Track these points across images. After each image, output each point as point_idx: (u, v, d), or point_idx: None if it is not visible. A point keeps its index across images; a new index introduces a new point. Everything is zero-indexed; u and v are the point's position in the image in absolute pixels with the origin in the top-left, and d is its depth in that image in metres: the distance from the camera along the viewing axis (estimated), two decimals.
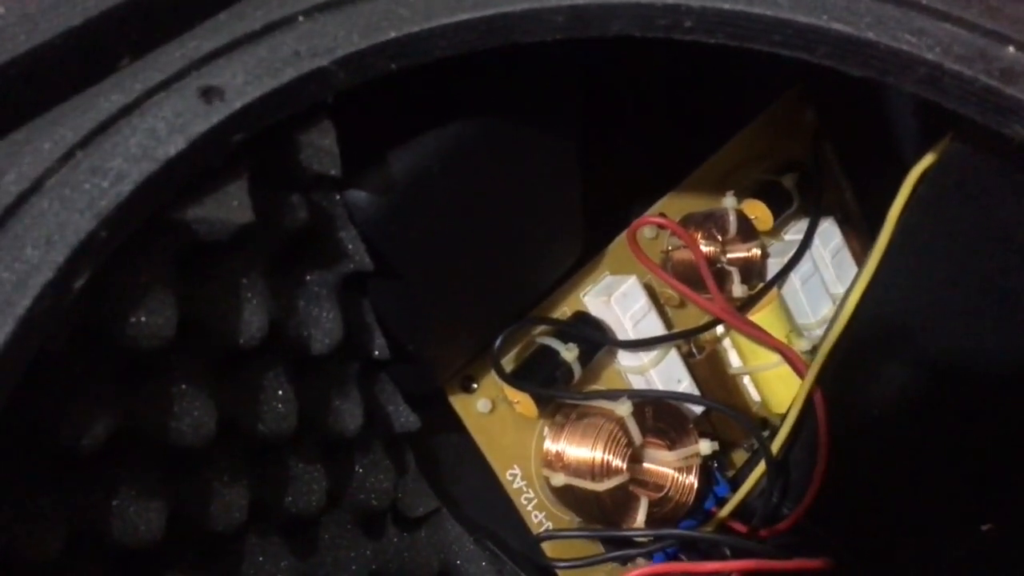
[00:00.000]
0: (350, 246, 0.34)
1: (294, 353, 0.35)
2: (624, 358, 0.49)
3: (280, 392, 0.34)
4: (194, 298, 0.30)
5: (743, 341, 0.52)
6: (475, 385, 0.45)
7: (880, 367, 0.43)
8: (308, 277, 0.34)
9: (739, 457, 0.54)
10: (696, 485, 0.46)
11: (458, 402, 0.45)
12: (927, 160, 0.36)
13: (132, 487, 0.30)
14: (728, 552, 0.43)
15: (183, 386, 0.31)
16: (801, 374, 0.47)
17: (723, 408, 0.48)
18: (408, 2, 0.30)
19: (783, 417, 0.49)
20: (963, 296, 0.37)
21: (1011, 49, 0.28)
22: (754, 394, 0.54)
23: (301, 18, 0.29)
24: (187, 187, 0.27)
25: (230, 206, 0.28)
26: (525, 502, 0.47)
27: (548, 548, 0.46)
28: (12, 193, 0.24)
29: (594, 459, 0.44)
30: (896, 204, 0.37)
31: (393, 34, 0.29)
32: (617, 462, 0.44)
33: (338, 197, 0.33)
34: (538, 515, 0.47)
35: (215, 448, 0.33)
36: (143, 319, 0.27)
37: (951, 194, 0.35)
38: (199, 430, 0.31)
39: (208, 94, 0.27)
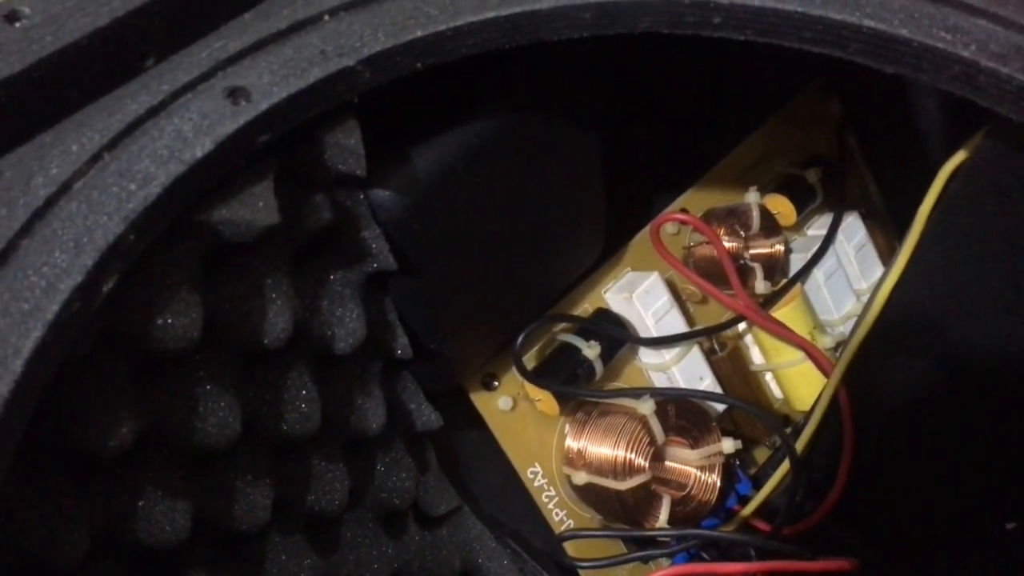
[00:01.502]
0: (374, 245, 0.33)
1: (317, 352, 0.34)
2: (646, 355, 0.49)
3: (303, 392, 0.34)
4: (219, 299, 0.30)
5: (766, 338, 0.52)
6: (496, 383, 0.45)
7: (907, 365, 0.42)
8: (331, 276, 0.34)
9: (761, 455, 0.54)
10: (719, 484, 0.46)
11: (479, 400, 0.45)
12: (959, 157, 0.35)
13: (157, 488, 0.30)
14: (752, 552, 0.42)
15: (208, 387, 0.31)
16: (825, 371, 0.47)
17: (746, 406, 0.48)
18: (434, 1, 0.29)
19: (807, 415, 0.48)
20: (993, 294, 0.36)
21: None
22: (776, 391, 0.54)
23: (327, 17, 0.28)
24: (212, 188, 0.27)
25: (255, 207, 0.27)
26: (546, 500, 0.47)
27: (570, 547, 0.46)
28: (41, 197, 0.23)
29: (616, 457, 0.44)
30: (927, 201, 0.37)
31: (419, 33, 0.28)
32: (640, 460, 0.44)
33: (362, 196, 0.33)
34: (559, 513, 0.47)
35: (239, 448, 0.33)
36: (169, 321, 0.27)
37: (983, 192, 0.35)
38: (224, 430, 0.31)
39: (234, 95, 0.26)
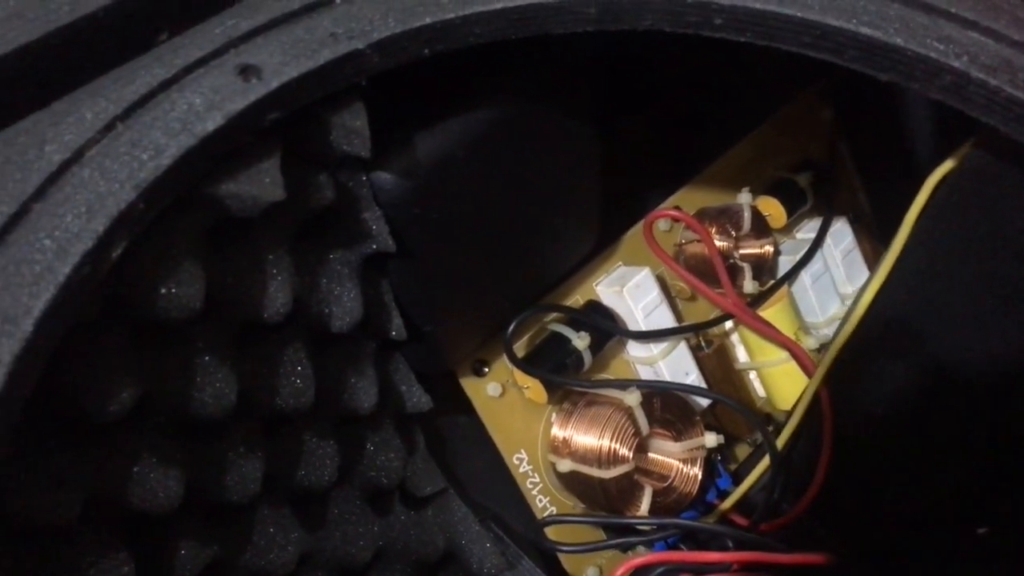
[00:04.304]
0: (374, 227, 0.34)
1: (314, 329, 0.35)
2: (633, 348, 0.50)
3: (299, 368, 0.35)
4: (221, 272, 0.30)
5: (751, 337, 0.53)
6: (486, 369, 0.46)
7: (887, 368, 0.43)
8: (331, 255, 0.34)
9: (741, 451, 0.55)
10: (700, 477, 0.47)
11: (469, 385, 0.46)
12: (947, 165, 0.36)
13: (152, 454, 0.31)
14: (730, 544, 0.43)
15: (206, 357, 0.31)
16: (809, 372, 0.48)
17: (730, 402, 0.48)
18: None
19: (788, 413, 0.49)
20: (974, 301, 0.37)
21: None
22: (759, 390, 0.55)
23: (338, 0, 0.29)
24: (221, 162, 0.27)
25: (262, 183, 0.28)
26: (530, 486, 0.48)
27: (551, 532, 0.47)
28: (54, 162, 0.24)
29: (601, 447, 0.45)
30: (913, 208, 0.37)
31: (429, 20, 0.29)
32: (624, 451, 0.45)
33: (364, 178, 0.34)
34: (542, 499, 0.48)
35: (233, 420, 0.33)
36: (173, 290, 0.28)
37: (968, 200, 0.35)
38: (220, 401, 0.32)
39: (246, 72, 0.27)
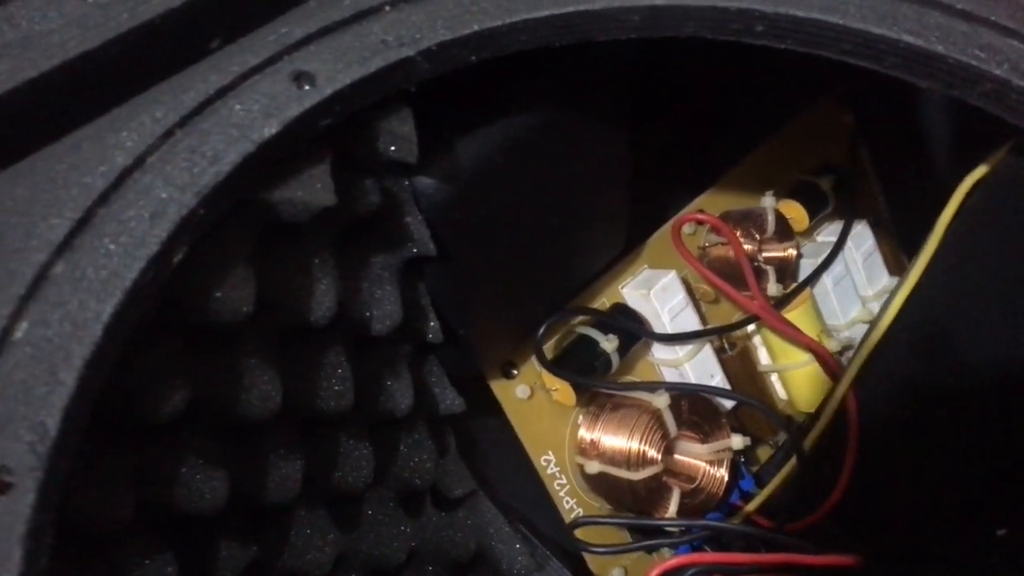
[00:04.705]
0: (415, 231, 0.34)
1: (354, 333, 0.35)
2: (659, 351, 0.50)
3: (339, 370, 0.35)
4: (269, 275, 0.31)
5: (773, 339, 0.53)
6: (515, 372, 0.46)
7: (915, 372, 0.44)
8: (373, 259, 0.35)
9: (763, 453, 0.55)
10: (727, 478, 0.47)
11: (498, 387, 0.46)
12: (980, 171, 0.36)
13: (199, 456, 0.31)
14: (761, 546, 0.44)
15: (253, 360, 0.31)
16: (834, 374, 0.48)
17: (758, 404, 0.49)
18: None
19: (813, 415, 0.50)
20: (1006, 306, 0.38)
21: None
22: (780, 392, 0.55)
23: (387, 7, 0.29)
24: (274, 168, 0.28)
25: (314, 188, 0.28)
26: (558, 488, 0.48)
27: (579, 533, 0.47)
28: (117, 167, 0.24)
29: (630, 449, 0.45)
30: (946, 212, 0.38)
31: (476, 27, 0.29)
32: (652, 452, 0.45)
33: (406, 183, 0.34)
34: (569, 501, 0.48)
35: (275, 421, 0.34)
36: (226, 294, 0.28)
37: (1003, 206, 0.36)
38: (266, 403, 0.32)
39: (300, 79, 0.27)
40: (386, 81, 0.29)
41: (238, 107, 0.26)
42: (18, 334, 0.22)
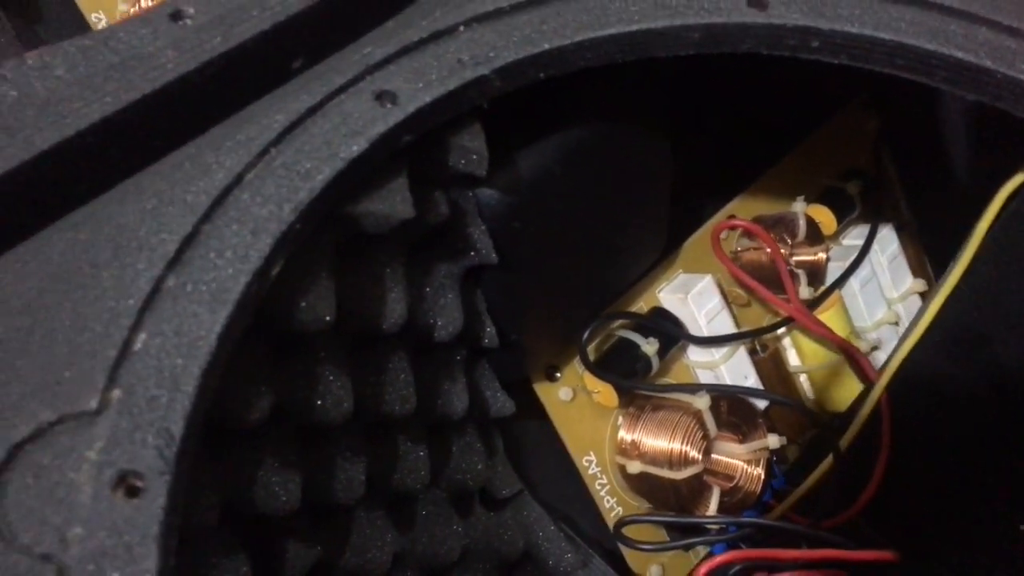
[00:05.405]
0: (478, 240, 0.36)
1: (419, 339, 0.37)
2: (694, 353, 0.51)
3: (403, 375, 0.36)
4: (346, 285, 0.32)
5: (803, 340, 0.54)
6: (558, 374, 0.47)
7: (948, 372, 0.45)
8: (437, 268, 0.36)
9: (790, 452, 0.57)
10: (764, 477, 0.48)
11: (542, 390, 0.47)
12: (1020, 177, 0.38)
13: (276, 459, 0.32)
14: (802, 542, 0.45)
15: (328, 367, 0.33)
16: (867, 374, 0.49)
17: (795, 404, 0.50)
18: (557, 17, 0.31)
19: (846, 415, 0.51)
20: None
21: None
22: (808, 392, 0.57)
23: (462, 28, 0.31)
24: (360, 183, 0.29)
25: (394, 201, 0.29)
26: (599, 488, 0.49)
27: (625, 532, 0.49)
28: (218, 185, 0.25)
29: (672, 449, 0.46)
30: (985, 217, 0.39)
31: (547, 46, 0.31)
32: (694, 453, 0.46)
33: (470, 194, 0.35)
34: (610, 500, 0.50)
35: (344, 425, 0.35)
36: (310, 304, 0.29)
37: None
38: (339, 408, 0.33)
39: (382, 98, 0.28)
40: (462, 98, 0.30)
41: (328, 125, 0.28)
42: (137, 345, 0.23)
